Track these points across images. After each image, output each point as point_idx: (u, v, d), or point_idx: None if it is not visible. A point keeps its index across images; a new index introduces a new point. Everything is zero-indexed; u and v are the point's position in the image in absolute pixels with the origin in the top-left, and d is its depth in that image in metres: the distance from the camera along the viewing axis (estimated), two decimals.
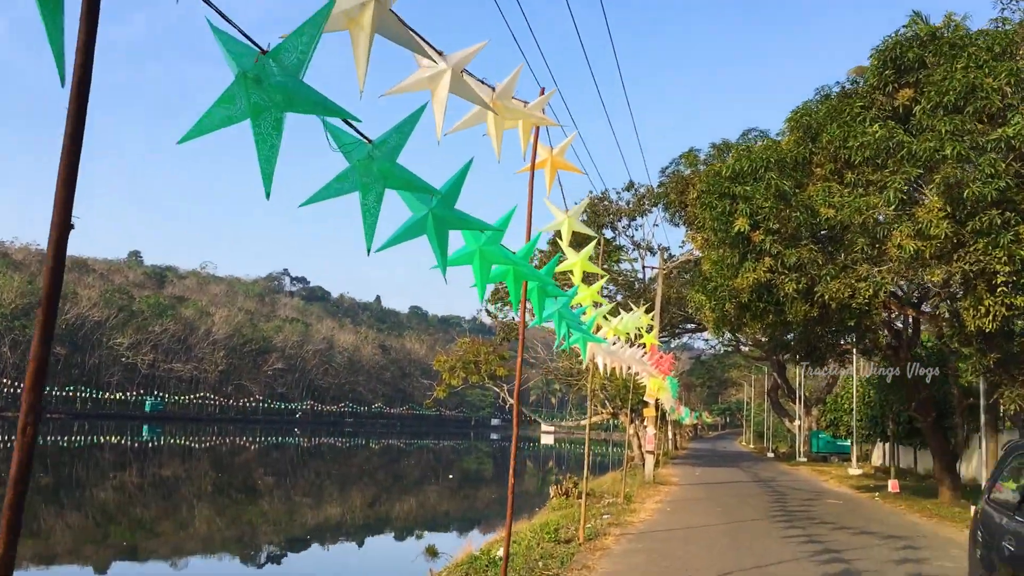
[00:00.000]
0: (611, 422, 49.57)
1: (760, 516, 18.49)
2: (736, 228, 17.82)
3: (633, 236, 48.83)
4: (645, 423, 28.23)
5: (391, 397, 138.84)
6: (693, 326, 55.38)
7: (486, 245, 4.67)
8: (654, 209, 47.46)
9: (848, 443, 51.71)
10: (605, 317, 12.68)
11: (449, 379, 36.20)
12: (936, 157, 15.27)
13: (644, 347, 18.22)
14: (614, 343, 13.95)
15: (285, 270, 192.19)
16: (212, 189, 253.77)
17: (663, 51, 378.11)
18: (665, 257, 41.20)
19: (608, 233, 46.49)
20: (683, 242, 48.46)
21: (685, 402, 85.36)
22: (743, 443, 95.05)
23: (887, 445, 44.32)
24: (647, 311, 14.98)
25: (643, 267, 48.40)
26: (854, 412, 38.76)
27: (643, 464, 31.17)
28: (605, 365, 14.86)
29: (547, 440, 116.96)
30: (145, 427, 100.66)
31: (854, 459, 42.99)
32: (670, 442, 66.21)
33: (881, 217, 16.09)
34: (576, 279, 8.65)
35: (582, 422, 42.60)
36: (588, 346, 11.80)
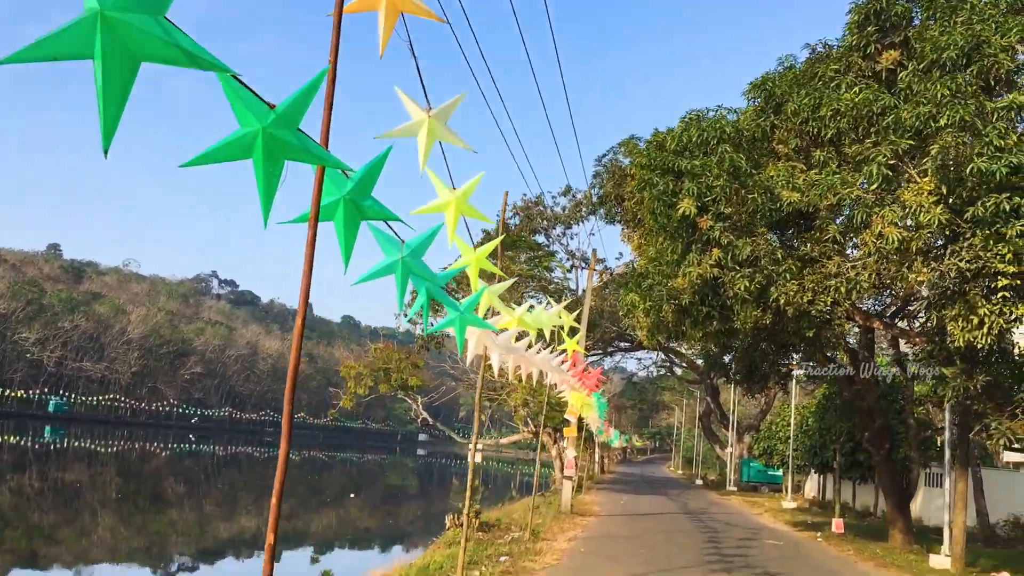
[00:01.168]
0: (534, 442, 46.19)
1: (692, 562, 15.13)
2: (680, 211, 14.51)
3: (568, 245, 45.71)
4: (565, 444, 24.75)
5: (315, 407, 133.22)
6: (627, 344, 52.39)
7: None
8: (591, 217, 44.47)
9: (780, 473, 49.09)
10: (510, 305, 9.17)
11: (355, 387, 32.35)
12: (930, 127, 12.17)
13: (565, 354, 14.79)
14: (520, 340, 10.47)
15: (213, 272, 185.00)
16: (145, 184, 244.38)
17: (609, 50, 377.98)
18: (598, 261, 38.07)
19: (541, 240, 43.27)
20: (619, 254, 45.49)
21: (615, 424, 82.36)
22: (672, 468, 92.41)
23: (822, 478, 41.67)
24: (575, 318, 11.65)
25: (576, 279, 45.28)
26: (791, 441, 35.93)
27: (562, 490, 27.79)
28: (504, 366, 11.31)
29: (476, 458, 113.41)
30: (48, 428, 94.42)
31: (788, 491, 40.17)
32: (597, 465, 63.00)
33: (858, 200, 12.90)
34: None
35: (502, 441, 38.93)
36: (471, 334, 8.40)
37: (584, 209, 43.78)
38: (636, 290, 18.36)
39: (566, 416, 22.46)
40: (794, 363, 24.69)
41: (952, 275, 12.13)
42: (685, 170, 14.80)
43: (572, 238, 45.30)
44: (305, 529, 31.50)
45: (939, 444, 27.82)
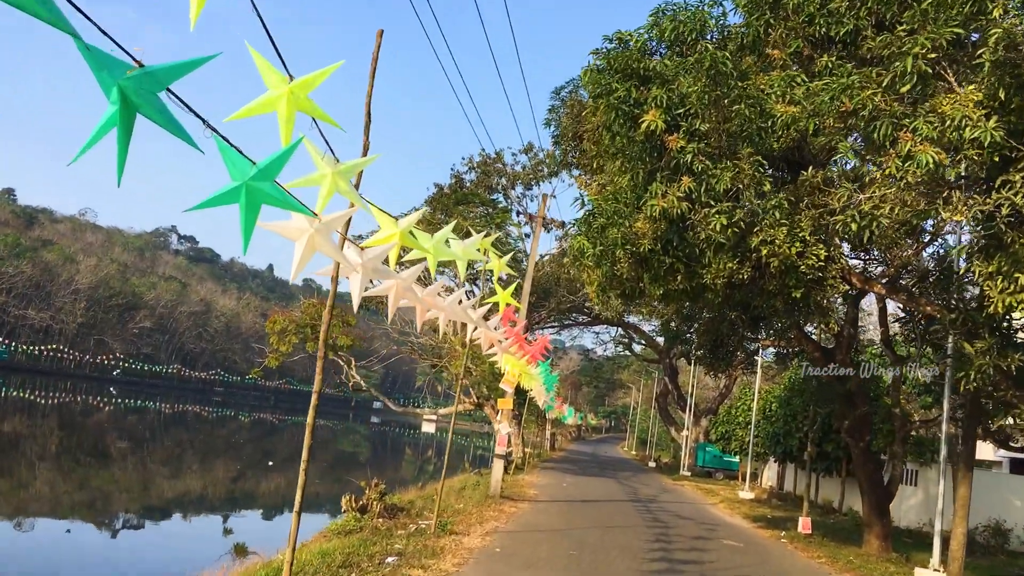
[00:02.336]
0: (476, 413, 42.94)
1: (630, 570, 11.90)
2: (644, 127, 11.09)
3: (527, 208, 42.23)
4: (499, 418, 21.37)
5: (268, 369, 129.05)
6: (585, 317, 49.13)
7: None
8: (552, 180, 41.02)
9: (736, 459, 46.31)
10: (413, 234, 5.65)
11: (277, 344, 28.75)
12: (984, 8, 8.85)
13: (496, 311, 11.40)
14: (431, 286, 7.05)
15: (173, 227, 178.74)
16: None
17: None
18: (559, 226, 34.66)
19: (500, 200, 39.73)
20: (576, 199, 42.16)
21: (571, 402, 79.49)
22: (625, 449, 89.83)
23: (781, 467, 38.86)
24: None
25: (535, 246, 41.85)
26: (752, 426, 32.94)
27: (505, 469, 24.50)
28: (395, 302, 7.85)
29: (428, 428, 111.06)
30: None
31: (746, 480, 37.31)
32: (548, 442, 59.92)
33: (879, 111, 9.52)
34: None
35: (441, 411, 35.61)
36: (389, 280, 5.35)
37: (546, 168, 40.35)
38: (586, 233, 14.92)
39: (501, 385, 19.10)
40: (765, 339, 21.52)
41: (1004, 214, 8.85)
42: (653, 73, 11.35)
43: (532, 200, 41.80)
44: (241, 493, 31.12)
45: (915, 438, 24.96)
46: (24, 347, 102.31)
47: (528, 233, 41.75)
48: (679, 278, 13.23)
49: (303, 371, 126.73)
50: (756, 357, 25.36)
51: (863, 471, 18.83)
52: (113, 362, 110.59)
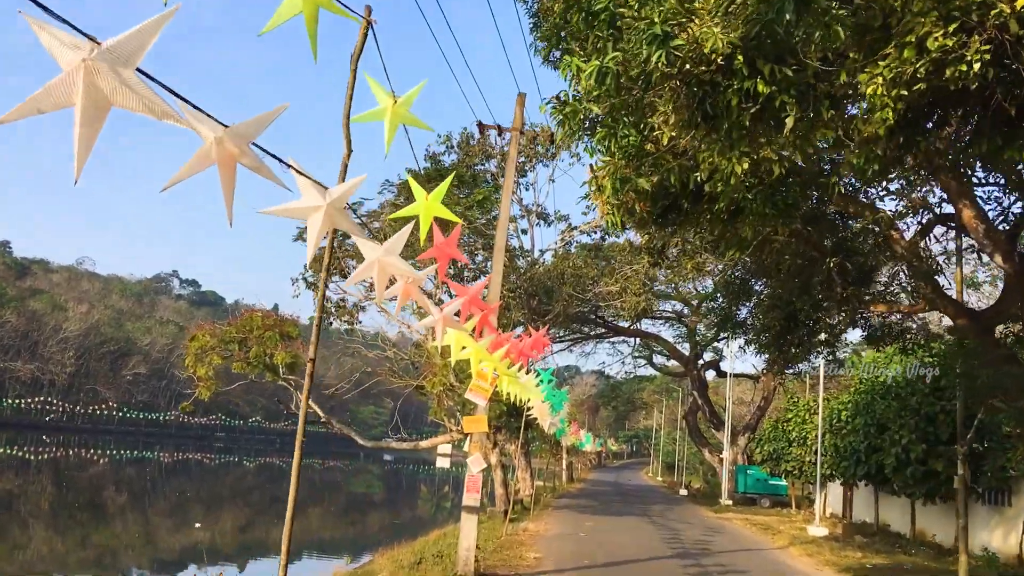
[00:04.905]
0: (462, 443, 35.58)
1: None
2: None
3: (522, 199, 35.08)
4: (467, 448, 13.80)
5: (271, 411, 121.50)
6: (599, 327, 41.68)
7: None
8: (551, 161, 33.87)
9: (783, 482, 38.57)
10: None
11: (193, 366, 21.52)
12: None
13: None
14: None
15: (175, 271, 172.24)
16: (113, 179, 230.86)
17: None
18: (560, 219, 27.48)
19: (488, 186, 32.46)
20: (587, 208, 34.90)
21: (588, 427, 71.81)
22: (650, 475, 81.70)
23: (849, 491, 31.07)
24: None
25: (532, 239, 34.74)
26: (819, 439, 25.31)
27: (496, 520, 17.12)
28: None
29: (443, 463, 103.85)
30: None
31: (815, 510, 29.64)
32: (564, 473, 52.18)
33: None
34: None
35: (422, 444, 28.19)
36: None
37: (540, 146, 33.19)
38: (602, 136, 7.64)
39: (468, 394, 11.74)
40: (875, 303, 14.08)
41: None
42: None
43: (527, 189, 34.71)
44: (254, 542, 29.69)
45: None
46: (11, 401, 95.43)
47: (525, 229, 34.59)
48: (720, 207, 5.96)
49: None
50: (838, 344, 17.94)
51: None
52: (106, 412, 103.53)
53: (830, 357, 16.88)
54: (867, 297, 12.80)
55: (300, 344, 23.12)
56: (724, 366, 46.44)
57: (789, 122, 5.67)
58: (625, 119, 7.18)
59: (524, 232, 34.68)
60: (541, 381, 16.91)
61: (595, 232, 34.20)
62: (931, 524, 22.31)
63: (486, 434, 12.12)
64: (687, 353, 44.44)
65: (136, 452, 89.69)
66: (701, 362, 45.41)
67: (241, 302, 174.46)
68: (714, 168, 6.84)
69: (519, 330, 26.79)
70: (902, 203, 13.46)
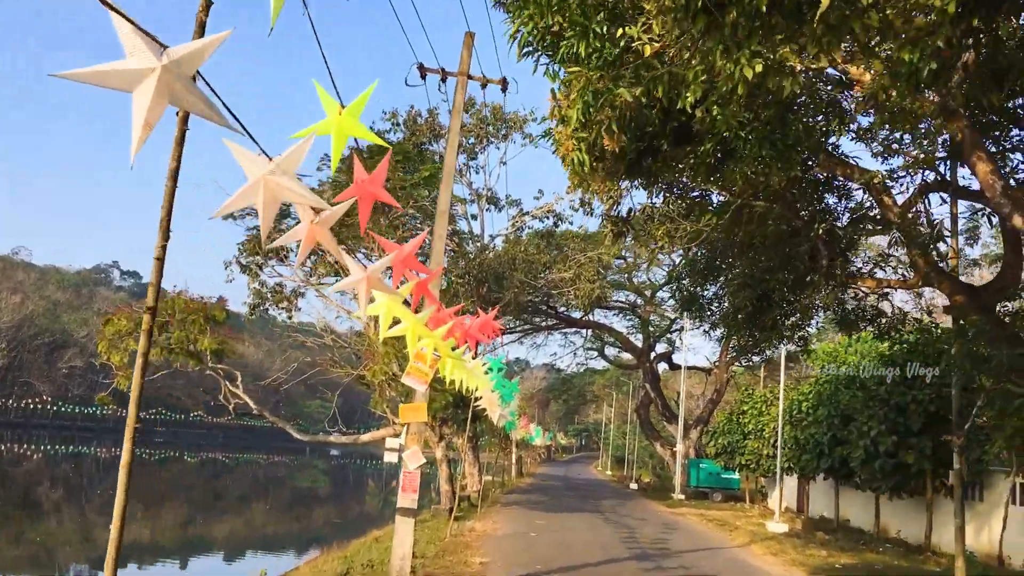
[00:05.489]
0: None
1: None
2: None
3: (472, 182, 33.51)
4: (403, 441, 12.04)
5: (214, 405, 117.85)
6: (551, 319, 40.22)
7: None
8: (503, 143, 32.35)
9: (736, 476, 37.66)
10: None
11: (107, 352, 19.55)
12: None
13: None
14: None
15: (115, 262, 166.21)
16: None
17: None
18: (511, 204, 25.93)
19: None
20: (539, 193, 33.08)
21: (538, 421, 70.47)
22: (599, 469, 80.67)
23: (804, 486, 30.13)
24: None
25: (481, 224, 33.10)
26: (779, 431, 24.21)
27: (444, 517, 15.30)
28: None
29: (391, 458, 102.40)
30: None
31: (776, 505, 28.68)
32: (514, 467, 50.72)
33: None
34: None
35: (363, 438, 26.31)
36: None
37: (491, 126, 31.60)
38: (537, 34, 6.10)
39: (405, 379, 10.10)
40: (859, 276, 12.82)
41: None
42: None
43: (477, 172, 33.10)
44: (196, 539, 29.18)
45: None
46: None
47: (475, 214, 33.01)
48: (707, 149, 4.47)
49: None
50: (806, 327, 16.60)
51: None
52: (40, 406, 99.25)
53: (800, 342, 15.59)
54: (853, 270, 11.47)
55: (228, 330, 21.27)
56: (677, 359, 45.41)
57: (824, 2, 4.18)
58: (597, 26, 5.63)
59: (474, 218, 33.05)
60: (491, 369, 15.37)
61: (547, 217, 32.80)
62: (895, 520, 21.30)
63: (427, 425, 10.45)
64: (640, 345, 43.26)
65: (72, 447, 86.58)
66: (654, 354, 44.29)
67: (185, 294, 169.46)
68: (709, 86, 5.33)
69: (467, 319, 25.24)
70: (897, 161, 12.18)
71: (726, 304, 15.31)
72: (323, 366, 28.18)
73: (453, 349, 9.25)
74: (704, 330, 16.55)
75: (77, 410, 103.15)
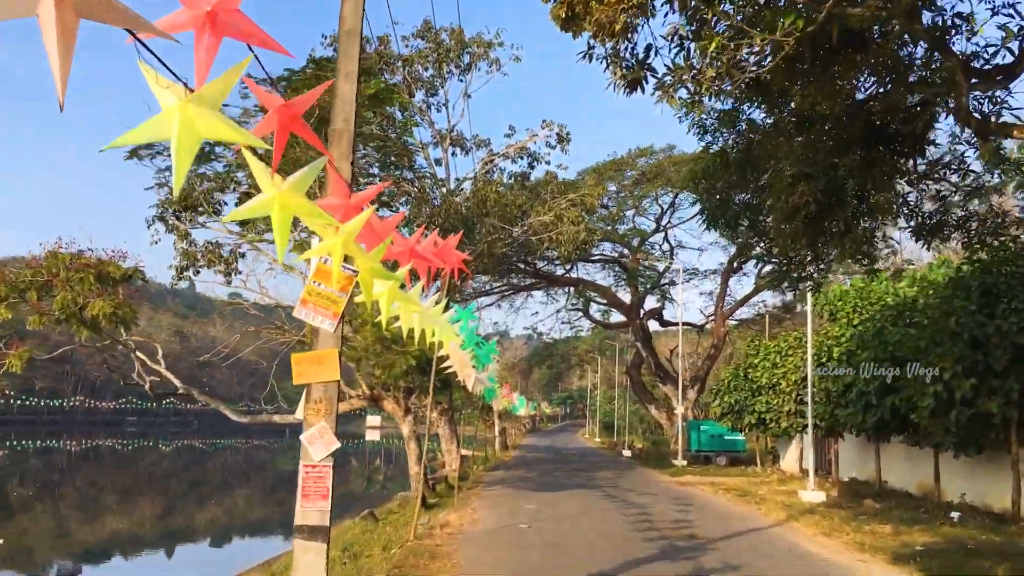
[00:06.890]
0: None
1: None
2: None
3: (434, 122, 29.06)
4: (298, 414, 7.93)
5: (124, 385, 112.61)
6: (532, 275, 36.06)
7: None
8: (466, 74, 27.96)
9: (741, 437, 33.93)
10: None
11: None
12: None
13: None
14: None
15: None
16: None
17: None
18: (480, 145, 21.63)
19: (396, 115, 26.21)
20: (511, 129, 28.81)
21: (522, 390, 66.59)
22: (587, 436, 77.02)
23: (825, 443, 26.26)
24: None
25: (446, 168, 28.68)
26: (809, 380, 20.25)
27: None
28: None
29: (373, 436, 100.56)
30: None
31: (810, 469, 24.92)
32: (498, 440, 46.69)
33: None
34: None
35: (297, 415, 21.83)
36: None
37: (453, 54, 27.14)
38: None
39: (299, 310, 5.90)
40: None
41: None
42: None
43: (439, 110, 28.62)
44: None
45: None
46: None
47: (439, 159, 28.55)
48: None
49: (226, 391, 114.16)
50: (887, 239, 12.65)
51: None
52: (3, 400, 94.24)
53: (865, 259, 11.53)
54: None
55: (130, 291, 16.99)
56: (668, 315, 41.50)
57: None
58: None
59: (438, 162, 28.56)
60: (459, 318, 11.21)
61: (521, 157, 28.52)
62: (954, 481, 17.41)
63: (339, 388, 6.25)
64: (628, 300, 39.22)
65: (39, 442, 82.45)
66: (643, 311, 40.26)
67: (154, 280, 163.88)
68: None
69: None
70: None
71: (767, 210, 11.19)
72: (271, 335, 23.98)
73: (401, 287, 5.05)
74: (734, 250, 12.48)
75: (42, 403, 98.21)
